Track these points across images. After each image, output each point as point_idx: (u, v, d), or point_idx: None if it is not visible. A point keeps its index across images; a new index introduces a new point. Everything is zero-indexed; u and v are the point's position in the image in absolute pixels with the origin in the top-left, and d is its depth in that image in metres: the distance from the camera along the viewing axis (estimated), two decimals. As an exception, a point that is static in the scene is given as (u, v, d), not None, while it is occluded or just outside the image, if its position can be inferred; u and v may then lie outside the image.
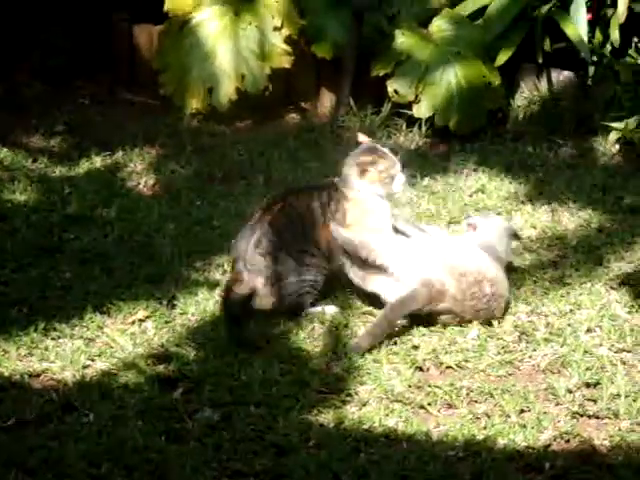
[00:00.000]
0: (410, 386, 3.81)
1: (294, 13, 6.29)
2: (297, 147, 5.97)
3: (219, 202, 5.28)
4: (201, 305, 4.27)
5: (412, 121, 6.16)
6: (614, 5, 6.16)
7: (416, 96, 6.11)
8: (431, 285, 4.09)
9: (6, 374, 3.81)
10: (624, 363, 3.97)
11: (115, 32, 6.84)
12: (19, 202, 5.19)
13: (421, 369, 3.93)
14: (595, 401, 3.74)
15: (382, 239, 4.23)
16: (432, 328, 4.15)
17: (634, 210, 5.24)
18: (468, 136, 6.11)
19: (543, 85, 6.32)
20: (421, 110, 6.12)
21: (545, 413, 3.68)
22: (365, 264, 4.19)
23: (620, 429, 3.60)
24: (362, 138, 4.56)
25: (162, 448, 3.41)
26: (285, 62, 6.25)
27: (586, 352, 4.01)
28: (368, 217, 4.31)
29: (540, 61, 6.19)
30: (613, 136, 5.90)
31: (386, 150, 4.39)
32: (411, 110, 6.13)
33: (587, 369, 3.90)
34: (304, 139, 6.07)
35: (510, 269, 4.56)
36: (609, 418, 3.66)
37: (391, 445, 3.50)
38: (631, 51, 6.20)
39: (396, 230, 4.35)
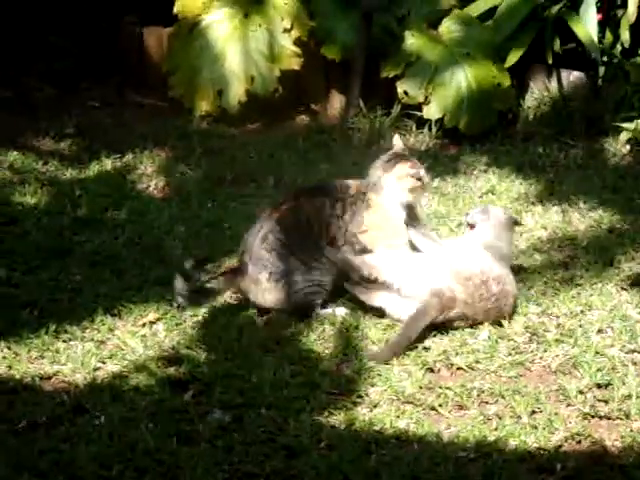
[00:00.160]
0: (421, 387, 3.80)
1: (303, 15, 6.29)
2: (307, 149, 5.97)
3: (229, 204, 5.28)
4: (211, 307, 4.27)
5: (422, 122, 6.16)
6: (624, 5, 6.15)
7: (426, 97, 6.11)
8: (441, 294, 4.08)
9: (17, 377, 3.81)
10: (635, 364, 3.96)
11: (124, 35, 6.85)
12: (30, 205, 5.20)
13: (432, 370, 3.93)
14: (606, 402, 3.73)
15: (383, 255, 4.22)
16: (443, 330, 4.14)
17: (645, 210, 5.24)
18: (478, 137, 6.10)
19: (553, 86, 6.32)
20: (431, 111, 6.11)
21: (556, 414, 3.67)
22: (369, 282, 4.18)
23: (632, 430, 3.59)
24: (397, 141, 4.48)
25: (173, 450, 3.42)
26: (294, 64, 6.26)
27: (597, 353, 4.01)
28: (388, 224, 4.30)
29: (550, 62, 6.18)
30: (624, 136, 5.89)
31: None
32: (421, 111, 6.13)
33: (598, 370, 3.89)
34: (314, 141, 6.07)
35: (520, 269, 4.55)
36: (620, 419, 3.65)
37: (402, 446, 3.49)
38: (641, 51, 6.20)
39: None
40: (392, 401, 3.73)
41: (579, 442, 3.54)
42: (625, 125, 5.87)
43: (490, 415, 3.67)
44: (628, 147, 5.93)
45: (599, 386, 3.82)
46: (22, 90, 6.63)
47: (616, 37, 6.21)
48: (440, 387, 3.81)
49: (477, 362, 3.97)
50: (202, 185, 5.52)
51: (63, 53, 6.84)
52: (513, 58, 6.16)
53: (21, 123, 6.24)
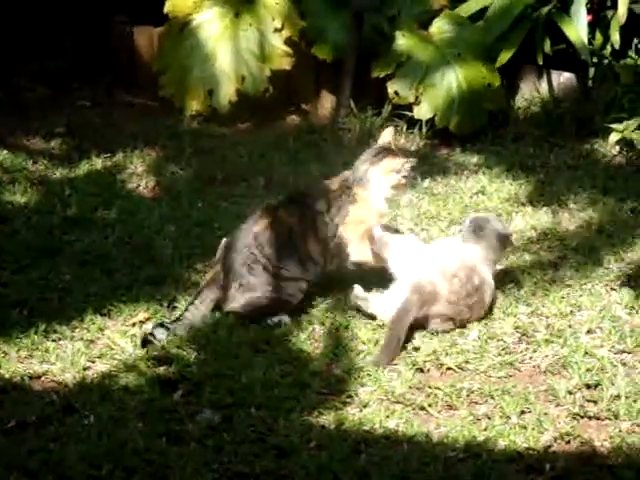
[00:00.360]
0: (411, 387, 3.81)
1: (294, 15, 6.29)
2: (297, 148, 5.97)
3: (220, 204, 5.28)
4: (201, 307, 4.27)
5: (412, 122, 6.16)
6: (614, 7, 6.16)
7: (416, 97, 6.11)
8: (422, 289, 4.09)
9: (6, 376, 3.81)
10: (624, 364, 3.97)
11: (115, 34, 6.84)
12: (19, 204, 5.20)
13: (422, 370, 3.93)
14: (595, 402, 3.74)
15: (400, 240, 4.25)
16: (432, 330, 4.14)
17: (634, 211, 5.24)
18: (468, 137, 6.11)
19: (543, 87, 6.33)
20: (421, 111, 6.12)
21: (545, 414, 3.68)
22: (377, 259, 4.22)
23: (620, 430, 3.60)
24: (386, 135, 4.47)
25: (163, 450, 3.41)
26: (285, 64, 6.26)
27: (586, 353, 4.01)
28: (371, 219, 4.31)
29: (540, 62, 6.19)
30: (613, 137, 5.90)
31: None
32: (411, 111, 6.13)
33: (587, 370, 3.90)
34: (304, 141, 6.07)
35: (510, 270, 4.56)
36: (609, 419, 3.66)
37: (392, 446, 3.50)
38: (631, 52, 6.21)
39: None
40: (382, 401, 3.74)
41: (568, 442, 3.55)
42: (615, 126, 5.88)
43: (479, 415, 3.68)
44: (618, 148, 5.94)
45: (588, 386, 3.83)
46: (13, 90, 6.62)
47: (606, 38, 6.22)
48: (430, 387, 3.81)
49: (467, 362, 3.97)
50: (192, 185, 5.52)
51: (54, 53, 6.83)
52: (503, 59, 6.17)
53: (11, 122, 6.23)
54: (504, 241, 4.37)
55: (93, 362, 3.93)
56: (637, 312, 4.31)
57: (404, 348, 4.03)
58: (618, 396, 3.75)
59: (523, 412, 3.69)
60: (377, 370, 3.89)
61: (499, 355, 4.03)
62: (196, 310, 4.13)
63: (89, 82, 6.82)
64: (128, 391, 3.73)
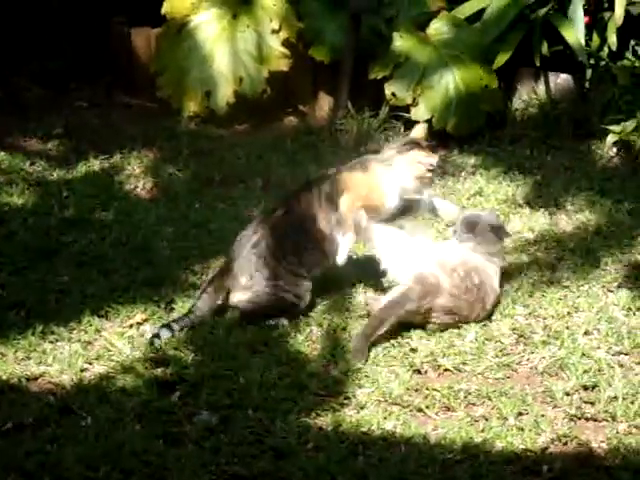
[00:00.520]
0: (408, 389, 3.81)
1: (292, 16, 6.29)
2: (295, 150, 5.97)
3: (217, 205, 5.28)
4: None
5: (410, 124, 6.15)
6: (611, 8, 6.16)
7: (414, 99, 6.12)
8: (425, 280, 4.10)
9: (4, 378, 3.81)
10: (621, 366, 3.98)
11: (113, 35, 6.84)
12: (17, 205, 5.19)
13: (419, 372, 3.94)
14: (593, 404, 3.74)
15: (384, 229, 4.24)
16: (430, 331, 4.15)
17: (631, 213, 5.25)
18: (466, 139, 6.11)
19: (541, 88, 6.33)
20: (419, 113, 6.12)
21: (543, 416, 3.68)
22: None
23: (618, 431, 3.60)
24: (418, 130, 4.49)
25: (160, 451, 3.41)
26: (283, 65, 6.26)
27: (584, 355, 4.02)
28: (375, 187, 4.28)
29: (538, 64, 6.19)
30: (611, 139, 5.90)
31: None
32: (409, 113, 6.14)
33: (585, 372, 3.90)
34: (302, 142, 6.08)
35: (508, 271, 4.56)
36: (607, 421, 3.66)
37: (389, 448, 3.50)
38: (628, 54, 6.21)
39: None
40: (379, 402, 3.74)
41: (565, 444, 3.55)
42: (612, 127, 5.88)
43: (477, 417, 3.68)
44: (615, 150, 5.95)
45: (585, 388, 3.83)
46: (11, 90, 6.61)
47: (603, 40, 6.22)
48: (427, 389, 3.81)
49: (464, 364, 3.97)
50: (190, 186, 5.52)
51: (52, 54, 6.82)
52: (501, 60, 6.17)
53: (9, 123, 6.22)
54: (498, 232, 4.38)
55: (90, 364, 3.93)
56: (634, 313, 4.32)
57: (402, 349, 4.03)
58: (615, 397, 3.75)
59: (520, 413, 3.69)
60: (375, 371, 3.89)
61: (496, 356, 4.03)
62: (204, 302, 4.14)
63: (87, 83, 6.81)
64: (125, 392, 3.73)
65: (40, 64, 6.77)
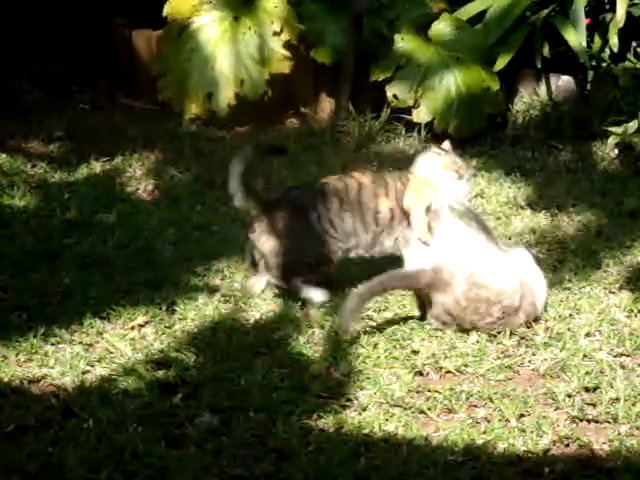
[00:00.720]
0: (410, 391, 3.81)
1: (293, 18, 6.30)
2: (297, 152, 5.97)
3: (219, 207, 5.28)
4: (201, 310, 4.27)
5: (411, 126, 6.16)
6: (613, 10, 6.17)
7: (415, 101, 6.12)
8: (439, 272, 4.08)
9: (6, 380, 3.81)
10: (623, 367, 3.97)
11: (114, 37, 6.85)
12: (18, 208, 5.20)
13: (421, 374, 3.93)
14: (594, 405, 3.74)
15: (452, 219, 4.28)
16: (431, 333, 4.15)
17: (633, 214, 5.25)
18: (467, 140, 6.11)
19: (542, 90, 6.33)
20: (420, 115, 6.13)
21: (544, 417, 3.68)
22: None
23: (619, 433, 3.60)
24: (447, 145, 4.63)
25: (162, 453, 3.41)
26: (284, 67, 6.26)
27: (585, 356, 4.01)
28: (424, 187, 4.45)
29: (539, 66, 6.20)
30: (612, 140, 5.91)
31: None
32: (410, 115, 6.14)
33: (586, 373, 3.90)
34: (304, 144, 6.08)
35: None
36: (608, 422, 3.66)
37: (391, 450, 3.49)
38: (630, 55, 6.22)
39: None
40: (381, 404, 3.74)
41: (567, 445, 3.55)
42: (614, 129, 5.88)
43: (479, 419, 3.68)
44: (617, 151, 5.95)
45: (587, 389, 3.83)
46: (12, 93, 6.62)
47: (605, 41, 6.23)
48: (429, 390, 3.81)
49: (466, 365, 3.97)
50: (192, 188, 5.52)
51: (54, 56, 6.83)
52: (502, 62, 6.18)
53: (11, 126, 6.23)
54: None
55: (92, 366, 3.93)
56: (636, 315, 4.32)
57: (403, 351, 4.03)
58: (617, 399, 3.75)
59: (522, 415, 3.69)
60: (376, 373, 3.89)
61: (498, 358, 4.03)
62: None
63: (88, 85, 6.82)
64: (127, 395, 3.73)
65: (41, 67, 6.78)
